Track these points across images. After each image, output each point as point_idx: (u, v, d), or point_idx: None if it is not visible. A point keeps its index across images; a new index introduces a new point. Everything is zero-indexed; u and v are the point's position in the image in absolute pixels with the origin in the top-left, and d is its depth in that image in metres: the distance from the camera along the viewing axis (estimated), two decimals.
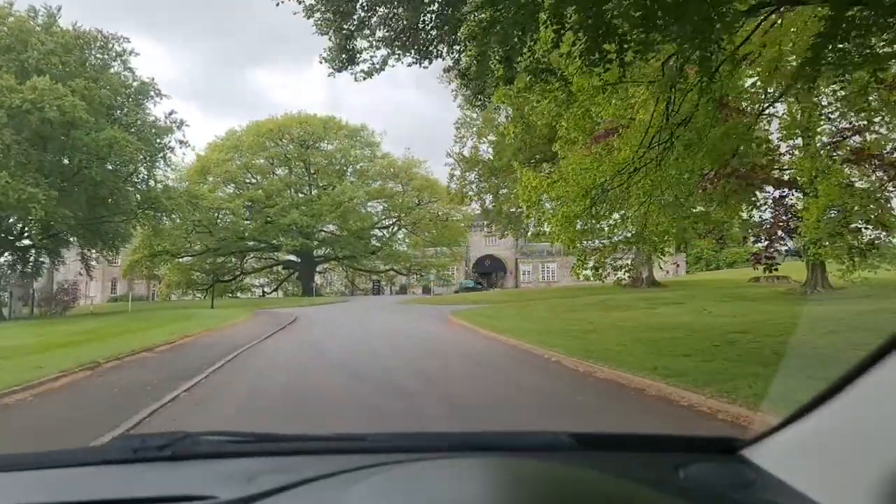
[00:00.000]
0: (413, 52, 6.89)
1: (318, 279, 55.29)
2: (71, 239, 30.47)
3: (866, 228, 11.91)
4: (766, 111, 11.49)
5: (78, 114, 23.02)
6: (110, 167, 26.89)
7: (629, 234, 9.87)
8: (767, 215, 17.72)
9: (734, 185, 10.15)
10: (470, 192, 35.59)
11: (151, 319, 20.93)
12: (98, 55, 28.42)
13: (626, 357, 8.50)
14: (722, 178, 9.59)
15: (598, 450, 1.36)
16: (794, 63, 9.68)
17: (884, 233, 12.02)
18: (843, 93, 10.18)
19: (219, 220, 45.08)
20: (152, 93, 29.70)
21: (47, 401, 6.86)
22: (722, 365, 7.26)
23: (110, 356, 9.69)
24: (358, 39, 6.81)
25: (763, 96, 10.56)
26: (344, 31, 6.65)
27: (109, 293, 52.95)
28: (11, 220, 27.68)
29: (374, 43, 6.84)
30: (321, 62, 6.91)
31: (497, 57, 6.92)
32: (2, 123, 22.11)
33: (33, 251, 31.03)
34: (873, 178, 13.42)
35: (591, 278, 10.18)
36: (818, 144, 13.44)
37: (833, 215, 10.55)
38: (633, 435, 1.52)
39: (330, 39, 6.79)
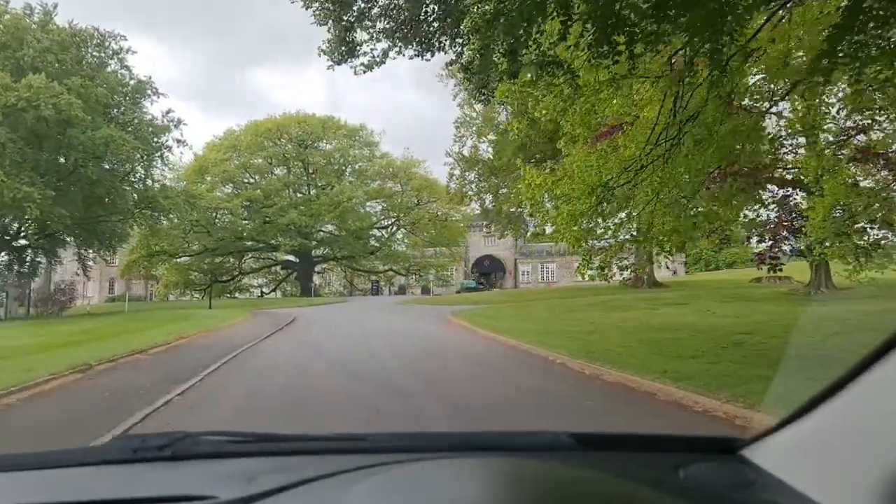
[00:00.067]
0: (415, 44, 6.67)
1: (316, 279, 55.06)
2: (67, 239, 30.23)
3: (871, 228, 11.78)
4: (771, 109, 11.35)
5: (74, 112, 22.79)
6: (107, 166, 26.61)
7: (635, 233, 9.66)
8: (771, 215, 17.58)
9: (742, 183, 9.94)
10: (470, 192, 35.38)
11: (148, 320, 20.69)
12: (95, 53, 28.18)
13: (631, 359, 8.30)
14: (729, 175, 9.38)
15: (598, 450, 1.36)
16: (802, 59, 9.54)
17: (889, 232, 11.87)
18: (849, 90, 10.01)
19: (217, 220, 44.86)
20: (149, 91, 29.44)
21: (35, 405, 6.63)
22: (731, 367, 7.07)
23: (102, 358, 9.45)
24: (358, 31, 6.60)
25: (771, 93, 10.35)
26: (343, 22, 6.43)
27: (107, 293, 52.65)
28: (7, 219, 27.43)
29: (374, 35, 6.63)
30: (320, 55, 6.69)
31: (501, 50, 6.72)
32: None
33: (30, 251, 30.77)
34: (878, 177, 13.27)
35: (597, 278, 9.99)
36: (823, 143, 13.27)
37: (838, 215, 10.41)
38: (633, 435, 1.52)
39: (329, 31, 6.58)
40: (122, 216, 28.55)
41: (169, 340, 13.00)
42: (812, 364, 6.22)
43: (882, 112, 11.86)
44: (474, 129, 34.26)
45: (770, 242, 16.97)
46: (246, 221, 46.03)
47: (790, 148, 16.39)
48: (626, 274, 10.39)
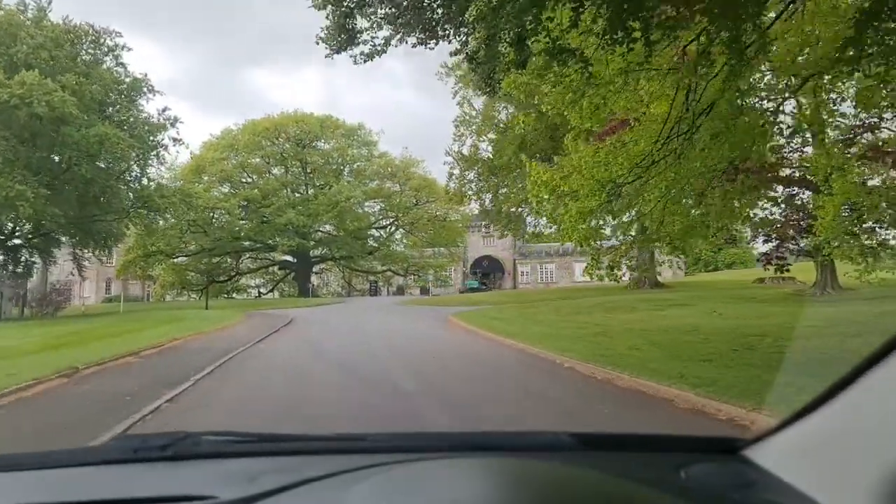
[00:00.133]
0: (417, 31, 6.34)
1: (314, 280, 54.72)
2: (62, 238, 29.81)
3: (880, 228, 11.58)
4: (781, 106, 11.08)
5: (68, 109, 22.38)
6: (101, 164, 26.17)
7: (638, 233, 9.34)
8: (777, 215, 17.30)
9: (754, 180, 9.64)
10: (469, 192, 35.03)
11: (143, 321, 20.29)
12: (89, 50, 27.75)
13: (643, 362, 7.97)
14: (741, 172, 9.08)
15: (599, 450, 1.35)
16: (812, 55, 9.23)
17: None
18: (860, 86, 9.75)
19: (214, 220, 44.43)
20: (145, 89, 28.99)
21: (14, 412, 6.27)
22: (748, 372, 6.75)
23: (90, 361, 9.08)
24: (358, 17, 6.26)
25: (783, 89, 10.06)
26: (343, 8, 6.09)
27: (104, 293, 52.21)
28: (1, 218, 27.00)
29: (375, 21, 6.29)
30: (318, 42, 6.34)
31: (508, 39, 6.40)
32: None
33: (24, 251, 30.35)
34: (885, 175, 13.05)
35: (606, 279, 9.67)
36: (831, 141, 13.03)
37: (846, 214, 10.18)
38: (634, 435, 1.51)
39: (328, 17, 6.24)
40: (118, 215, 28.10)
41: (161, 342, 12.64)
42: (840, 368, 5.90)
43: (889, 109, 11.62)
44: (474, 127, 33.94)
45: (776, 242, 16.67)
46: (243, 221, 45.63)
47: (795, 146, 16.17)
48: (635, 274, 10.05)
